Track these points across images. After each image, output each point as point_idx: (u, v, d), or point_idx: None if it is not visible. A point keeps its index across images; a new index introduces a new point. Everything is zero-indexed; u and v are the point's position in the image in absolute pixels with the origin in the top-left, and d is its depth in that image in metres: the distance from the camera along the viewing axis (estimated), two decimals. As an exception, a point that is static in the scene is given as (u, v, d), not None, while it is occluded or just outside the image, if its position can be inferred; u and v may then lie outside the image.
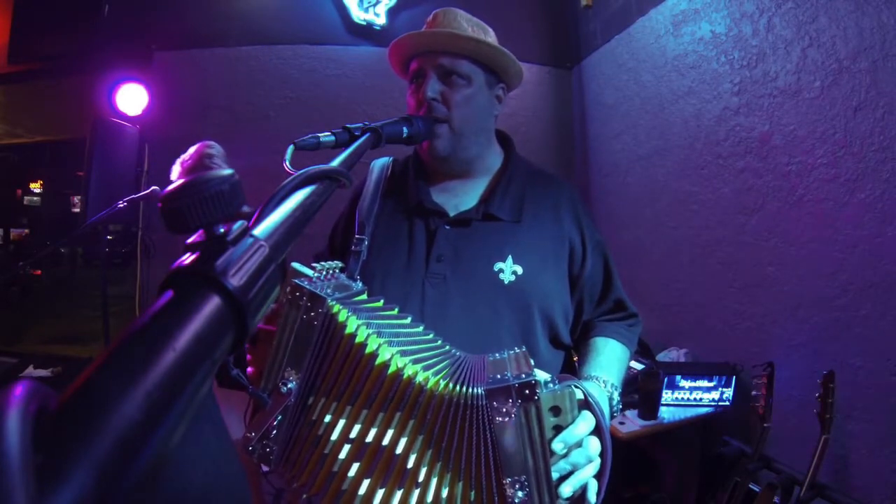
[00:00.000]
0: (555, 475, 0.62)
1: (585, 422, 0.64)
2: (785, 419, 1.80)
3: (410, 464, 0.61)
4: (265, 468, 0.68)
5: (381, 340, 0.64)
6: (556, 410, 0.62)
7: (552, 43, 3.32)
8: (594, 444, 0.65)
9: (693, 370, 2.08)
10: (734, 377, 2.04)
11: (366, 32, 3.04)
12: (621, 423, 1.98)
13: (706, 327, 2.27)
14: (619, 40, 2.81)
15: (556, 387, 0.63)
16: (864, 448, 1.60)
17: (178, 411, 0.22)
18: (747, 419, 1.93)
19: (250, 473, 1.88)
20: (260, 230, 0.35)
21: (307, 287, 0.65)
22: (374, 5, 3.01)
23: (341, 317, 0.65)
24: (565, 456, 0.63)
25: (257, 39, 2.99)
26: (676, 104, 2.41)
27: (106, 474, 0.18)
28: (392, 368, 0.63)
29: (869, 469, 1.59)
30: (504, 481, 0.60)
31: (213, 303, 0.27)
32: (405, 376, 0.62)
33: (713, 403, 2.04)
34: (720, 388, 2.04)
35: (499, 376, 0.61)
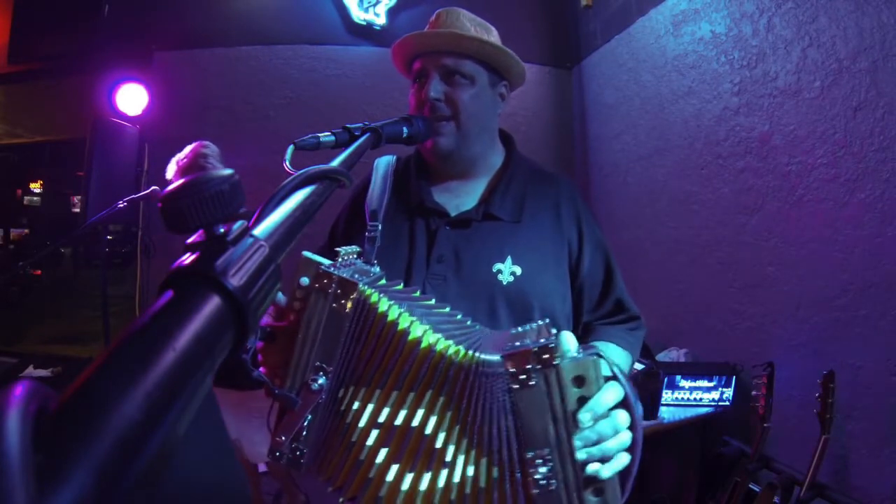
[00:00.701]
0: (579, 444, 0.57)
1: (613, 390, 0.59)
2: (785, 419, 1.80)
3: (439, 443, 0.58)
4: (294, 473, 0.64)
5: (413, 318, 0.62)
6: (579, 381, 0.57)
7: (552, 43, 3.32)
8: (622, 417, 0.60)
9: (693, 370, 2.08)
10: (734, 377, 2.04)
11: (366, 32, 3.05)
12: (621, 423, 1.98)
13: (706, 327, 2.27)
14: (619, 40, 2.81)
15: (581, 355, 0.58)
16: (864, 448, 1.60)
17: (178, 411, 0.22)
18: (747, 419, 1.93)
19: (250, 473, 1.87)
20: (260, 230, 0.35)
21: (336, 273, 0.61)
22: (374, 5, 3.01)
23: (373, 299, 0.62)
24: (590, 427, 0.58)
25: (257, 39, 2.99)
26: (676, 104, 2.41)
27: (106, 474, 0.18)
28: (424, 344, 0.60)
29: (869, 469, 1.58)
30: (526, 456, 0.56)
31: (213, 303, 0.27)
32: (437, 351, 0.60)
33: (713, 403, 2.04)
34: (720, 388, 2.04)
35: (517, 343, 0.58)
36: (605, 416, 0.59)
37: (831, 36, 1.68)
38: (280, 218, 0.39)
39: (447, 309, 0.73)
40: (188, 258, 0.29)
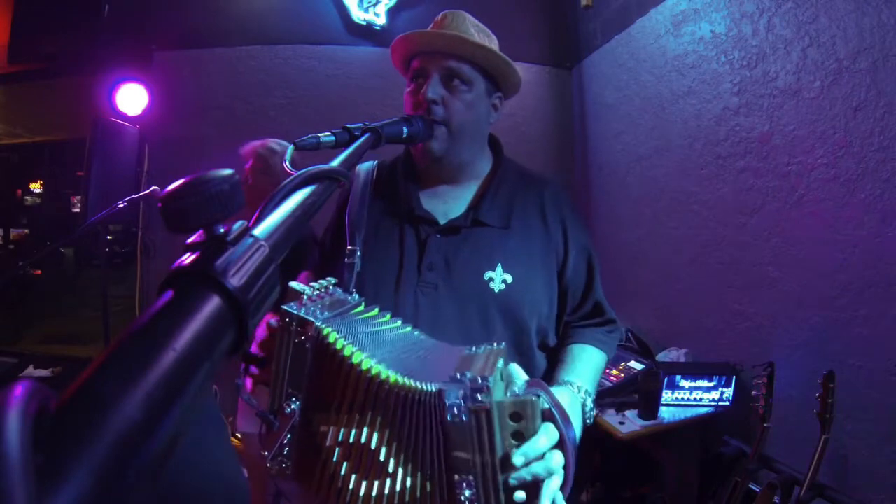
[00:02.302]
0: (512, 483, 0.62)
1: (547, 435, 0.63)
2: (785, 419, 1.80)
3: (382, 457, 0.64)
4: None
5: (362, 352, 0.67)
6: (516, 417, 0.62)
7: (552, 43, 3.32)
8: (556, 458, 0.64)
9: (693, 370, 2.08)
10: (734, 377, 2.03)
11: (366, 32, 3.05)
12: (621, 423, 1.98)
13: (706, 327, 2.27)
14: (619, 40, 2.81)
15: (520, 393, 0.64)
16: (864, 448, 1.60)
17: (178, 411, 0.22)
18: (747, 419, 1.93)
19: (253, 472, 1.88)
20: (260, 230, 0.35)
21: (295, 312, 0.68)
22: (374, 5, 3.01)
23: (331, 338, 0.67)
24: (525, 467, 0.62)
25: (257, 39, 2.99)
26: (676, 104, 2.41)
27: (106, 475, 0.18)
28: (367, 372, 0.65)
29: (869, 469, 1.58)
30: (453, 477, 0.61)
31: (213, 303, 0.27)
32: (372, 376, 0.65)
33: (713, 403, 2.04)
34: (720, 388, 2.04)
35: (458, 375, 0.61)
36: (540, 458, 0.62)
37: (831, 36, 1.68)
38: (280, 218, 0.39)
39: (408, 329, 0.79)
40: (188, 258, 0.29)
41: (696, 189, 2.32)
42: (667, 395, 2.03)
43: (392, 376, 0.64)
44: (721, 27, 2.15)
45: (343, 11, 3.01)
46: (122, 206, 2.25)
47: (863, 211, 1.61)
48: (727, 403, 2.04)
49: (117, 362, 0.21)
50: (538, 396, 0.63)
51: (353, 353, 0.66)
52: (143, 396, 0.20)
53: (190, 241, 0.30)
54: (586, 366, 0.96)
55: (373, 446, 0.65)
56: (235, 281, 0.28)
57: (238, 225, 0.32)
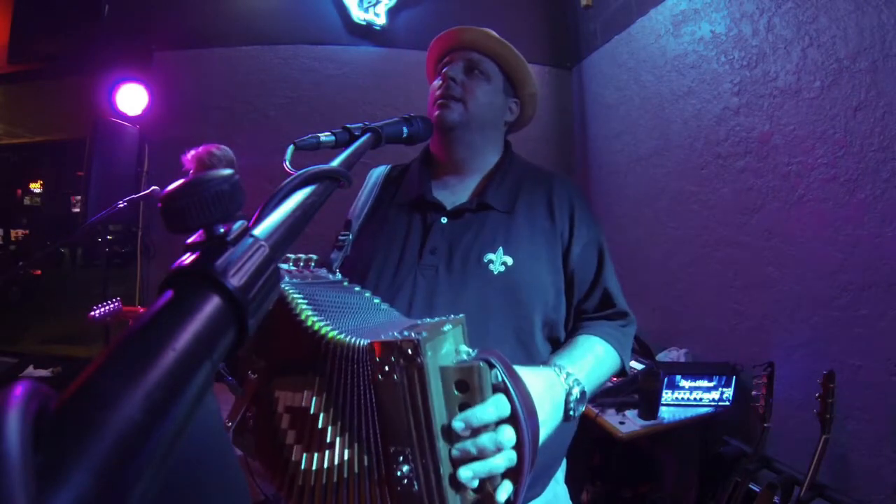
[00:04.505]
0: (455, 453, 0.56)
1: (496, 406, 0.57)
2: (785, 419, 1.80)
3: (321, 424, 0.59)
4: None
5: (310, 310, 0.62)
6: (462, 385, 0.55)
7: (552, 43, 3.32)
8: (508, 433, 0.57)
9: (693, 370, 2.08)
10: (734, 377, 2.03)
11: (366, 32, 3.05)
12: (621, 423, 1.98)
13: (706, 327, 2.27)
14: (619, 40, 2.81)
15: (467, 359, 0.57)
16: (864, 448, 1.60)
17: (178, 411, 0.22)
18: (747, 419, 1.93)
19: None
20: (260, 230, 0.35)
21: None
22: (374, 5, 3.01)
23: (289, 297, 0.63)
24: (470, 438, 0.56)
25: (257, 39, 2.99)
26: (676, 104, 2.41)
27: (106, 475, 0.18)
28: (309, 328, 0.60)
29: (869, 469, 1.58)
30: (389, 450, 0.55)
31: (213, 303, 0.27)
32: (313, 331, 0.60)
33: (713, 403, 2.04)
34: (720, 388, 2.04)
35: (394, 333, 0.54)
36: (487, 428, 0.56)
37: (831, 36, 1.68)
38: (280, 218, 0.39)
39: (378, 301, 0.74)
40: (188, 258, 0.29)
41: (696, 189, 2.32)
42: (667, 395, 2.03)
43: (331, 332, 0.58)
44: (721, 27, 2.15)
45: (343, 11, 3.01)
46: (122, 206, 2.25)
47: (863, 211, 1.61)
48: (727, 403, 2.04)
49: (117, 362, 0.21)
50: (488, 364, 0.57)
51: (302, 310, 0.61)
52: (142, 396, 0.20)
53: (190, 241, 0.30)
54: (584, 354, 0.89)
55: (311, 411, 0.59)
56: (235, 281, 0.28)
57: (238, 225, 0.32)
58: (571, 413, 0.77)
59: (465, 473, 0.55)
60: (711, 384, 2.04)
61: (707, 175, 2.25)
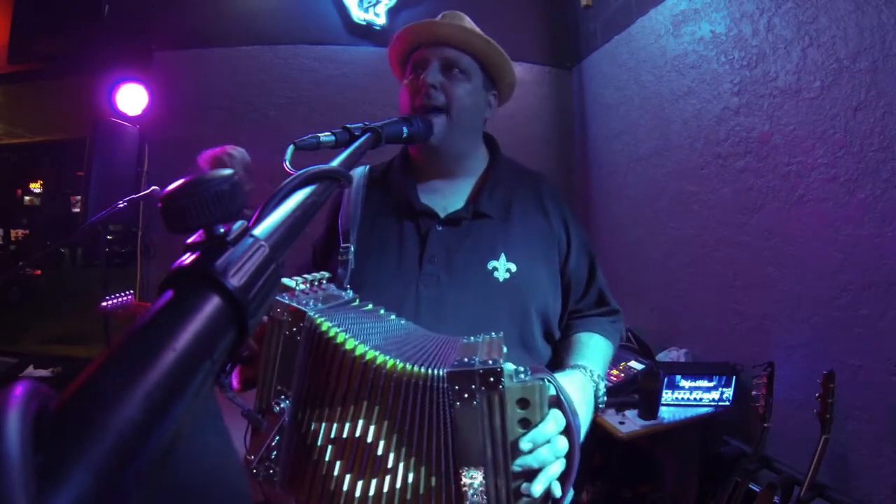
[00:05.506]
0: (517, 469, 0.60)
1: (555, 421, 0.62)
2: (785, 419, 1.80)
3: (380, 451, 0.61)
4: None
5: (356, 340, 0.64)
6: (524, 403, 0.59)
7: (552, 43, 3.32)
8: (562, 443, 0.63)
9: (693, 370, 2.08)
10: (734, 377, 2.03)
11: (366, 32, 3.05)
12: (621, 423, 1.98)
13: (706, 327, 2.27)
14: (619, 40, 2.81)
15: (527, 378, 0.60)
16: (864, 448, 1.60)
17: (178, 411, 0.22)
18: (747, 419, 1.93)
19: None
20: (260, 230, 0.35)
21: (286, 302, 0.65)
22: (374, 5, 3.01)
23: (324, 326, 0.64)
24: (531, 453, 0.60)
25: (257, 39, 2.99)
26: (676, 104, 2.41)
27: (105, 475, 0.18)
28: (361, 358, 0.62)
29: (869, 469, 1.58)
30: (461, 471, 0.58)
31: (213, 303, 0.27)
32: (368, 361, 0.62)
33: (713, 403, 2.04)
34: (720, 388, 2.04)
35: (466, 360, 0.59)
36: (547, 443, 0.61)
37: (831, 36, 1.68)
38: (280, 218, 0.39)
39: (403, 321, 0.77)
40: (188, 258, 0.29)
41: (696, 189, 2.32)
42: (667, 395, 2.03)
43: (391, 361, 0.61)
44: (721, 27, 2.14)
45: (343, 11, 3.01)
46: (122, 206, 2.25)
47: (863, 211, 1.61)
48: (727, 403, 2.04)
49: (117, 362, 0.21)
50: (546, 381, 0.61)
51: (346, 340, 0.63)
52: (142, 396, 0.20)
53: (190, 241, 0.30)
54: (595, 352, 0.95)
55: (369, 440, 0.61)
56: (235, 281, 0.28)
57: (238, 225, 0.32)
58: (600, 405, 0.87)
59: (537, 488, 0.60)
60: (711, 384, 2.04)
61: (707, 175, 2.25)
